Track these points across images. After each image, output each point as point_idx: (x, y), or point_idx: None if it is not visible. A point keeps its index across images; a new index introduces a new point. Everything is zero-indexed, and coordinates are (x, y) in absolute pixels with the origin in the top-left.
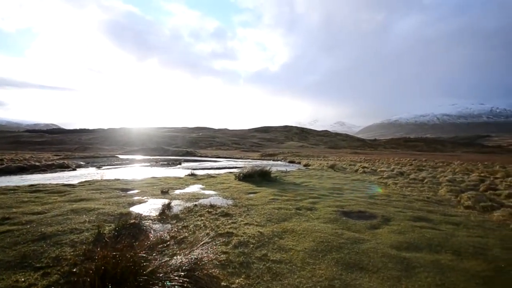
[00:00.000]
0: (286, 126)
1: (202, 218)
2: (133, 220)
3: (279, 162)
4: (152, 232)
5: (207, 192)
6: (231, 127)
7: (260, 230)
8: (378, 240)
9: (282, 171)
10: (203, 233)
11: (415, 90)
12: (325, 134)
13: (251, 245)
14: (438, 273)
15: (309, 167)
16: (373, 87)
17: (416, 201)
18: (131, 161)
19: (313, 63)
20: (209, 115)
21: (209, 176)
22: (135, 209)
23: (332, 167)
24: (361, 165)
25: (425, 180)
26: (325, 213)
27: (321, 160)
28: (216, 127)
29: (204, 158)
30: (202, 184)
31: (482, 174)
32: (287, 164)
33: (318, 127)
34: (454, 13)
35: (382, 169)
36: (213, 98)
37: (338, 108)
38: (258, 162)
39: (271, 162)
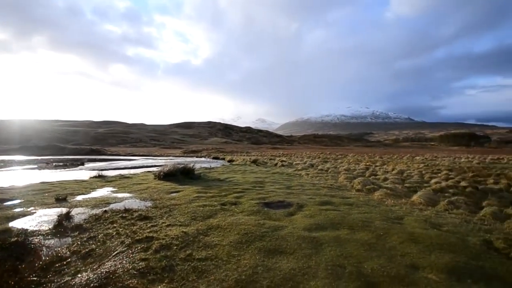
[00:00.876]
0: (209, 122)
1: (115, 225)
2: (15, 238)
3: (203, 159)
4: (45, 250)
5: (120, 195)
6: (149, 122)
7: (184, 230)
8: (294, 225)
9: (206, 168)
10: (116, 242)
11: (322, 93)
12: (247, 130)
13: (175, 247)
14: (338, 246)
15: (233, 163)
16: (288, 88)
17: (322, 188)
18: (7, 164)
19: (235, 61)
20: (121, 108)
21: (123, 177)
22: (16, 223)
23: (254, 162)
24: (280, 159)
25: (329, 170)
26: (248, 206)
27: (244, 155)
28: (130, 121)
29: (116, 157)
30: (114, 187)
31: (367, 164)
32: (211, 160)
33: (241, 124)
34: (349, 33)
35: (297, 162)
36: (127, 89)
37: (259, 106)
38: (181, 159)
39: (194, 158)
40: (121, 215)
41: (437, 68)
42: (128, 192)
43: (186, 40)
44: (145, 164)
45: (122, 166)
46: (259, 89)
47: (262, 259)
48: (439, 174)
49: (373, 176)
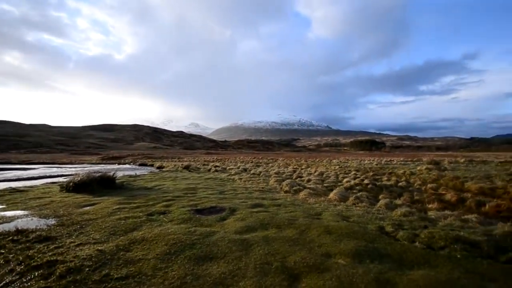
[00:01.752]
0: (136, 125)
1: (2, 251)
2: None
3: (127, 166)
4: None
5: (9, 213)
6: (55, 123)
7: (100, 248)
8: (226, 229)
9: (131, 176)
10: (2, 272)
11: (255, 100)
12: (180, 135)
13: (87, 269)
14: (267, 245)
15: (163, 169)
16: (222, 93)
17: (254, 191)
18: None
19: (165, 61)
20: (16, 105)
21: (14, 190)
22: None
23: (187, 167)
24: (213, 165)
25: (261, 174)
26: (179, 214)
27: (176, 161)
28: (27, 121)
29: (4, 166)
30: (0, 203)
31: (295, 167)
32: (137, 167)
33: (173, 128)
34: (278, 47)
35: (230, 167)
36: (25, 82)
37: (192, 110)
38: (99, 167)
39: (116, 166)
40: (11, 238)
41: (347, 85)
42: (22, 209)
43: (106, 32)
44: (47, 174)
45: (13, 177)
46: (192, 92)
47: (192, 267)
48: (350, 174)
49: (299, 178)
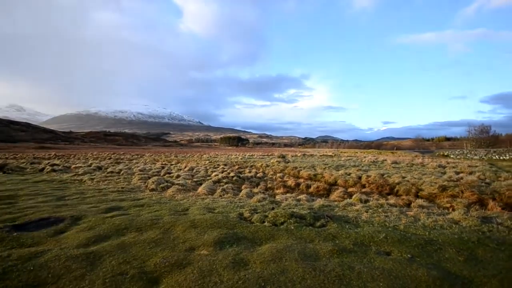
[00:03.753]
0: None
1: None
2: None
3: None
4: None
5: None
6: None
7: None
8: (63, 245)
9: None
10: None
11: (115, 86)
12: None
13: None
14: (122, 253)
15: None
16: (65, 71)
17: (111, 193)
18: None
19: None
20: None
21: None
22: None
23: (1, 168)
24: (49, 163)
25: (122, 172)
26: None
27: None
28: None
29: None
30: None
31: (164, 163)
32: None
33: None
34: (144, 29)
35: (78, 165)
36: None
37: (13, 88)
38: None
39: None
40: None
41: (218, 84)
42: None
43: None
44: None
45: None
46: (13, 63)
47: None
48: (218, 168)
49: (168, 175)
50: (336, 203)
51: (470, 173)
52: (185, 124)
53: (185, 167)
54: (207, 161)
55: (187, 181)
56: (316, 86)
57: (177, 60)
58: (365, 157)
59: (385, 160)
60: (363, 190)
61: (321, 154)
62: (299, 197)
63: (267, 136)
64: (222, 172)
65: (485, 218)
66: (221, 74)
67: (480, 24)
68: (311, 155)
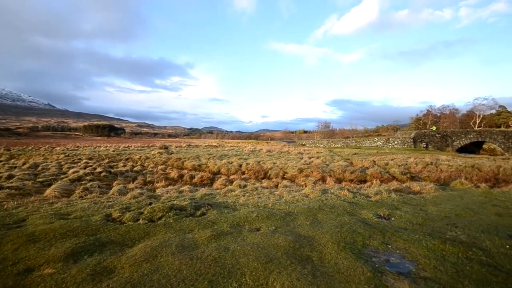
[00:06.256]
0: None
1: None
2: None
3: None
4: None
5: None
6: None
7: None
8: None
9: None
10: None
11: None
12: None
13: None
14: None
15: None
16: None
17: None
18: None
19: None
20: None
21: None
22: None
23: None
24: None
25: None
26: None
27: None
28: None
29: None
30: None
31: None
32: None
33: None
34: None
35: None
36: None
37: None
38: None
39: None
40: None
41: (79, 59)
42: None
43: None
44: None
45: None
46: None
47: None
48: (79, 164)
49: None
50: (218, 190)
51: (317, 158)
52: (25, 106)
53: (24, 164)
54: (62, 155)
55: (26, 182)
56: (202, 76)
57: (9, 16)
58: (245, 147)
59: (261, 149)
60: (243, 176)
61: (206, 144)
62: (182, 188)
63: (148, 126)
64: (85, 168)
65: (324, 190)
66: (83, 46)
67: (325, 45)
68: (196, 145)
